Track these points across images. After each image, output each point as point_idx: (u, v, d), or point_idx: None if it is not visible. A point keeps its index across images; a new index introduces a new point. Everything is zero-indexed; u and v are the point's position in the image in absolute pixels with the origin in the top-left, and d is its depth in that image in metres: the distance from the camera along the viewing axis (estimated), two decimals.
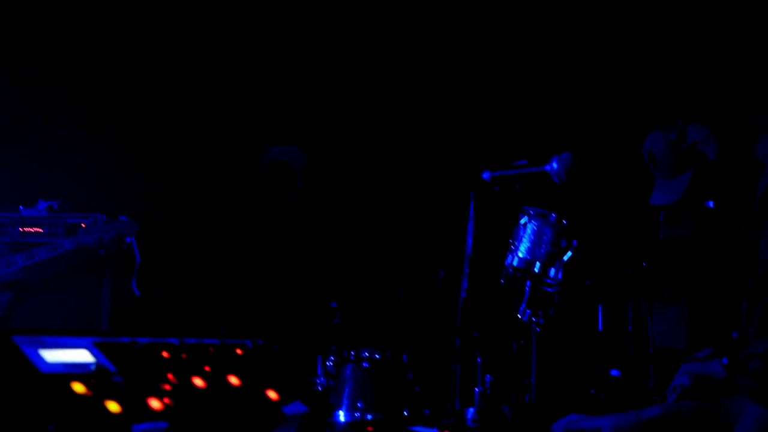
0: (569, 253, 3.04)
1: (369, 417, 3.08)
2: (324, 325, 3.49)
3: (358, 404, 3.15)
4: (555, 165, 2.82)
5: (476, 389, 2.81)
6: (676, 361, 3.57)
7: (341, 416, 3.07)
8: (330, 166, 5.17)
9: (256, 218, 5.10)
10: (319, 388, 3.22)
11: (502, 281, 3.20)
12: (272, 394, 1.65)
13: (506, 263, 3.11)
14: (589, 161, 2.90)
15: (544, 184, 2.90)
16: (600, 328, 3.58)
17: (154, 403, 1.40)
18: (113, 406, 1.33)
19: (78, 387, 1.32)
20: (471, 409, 2.74)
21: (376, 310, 4.41)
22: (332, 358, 3.25)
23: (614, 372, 3.37)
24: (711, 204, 3.62)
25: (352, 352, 3.23)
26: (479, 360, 2.86)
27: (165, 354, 1.54)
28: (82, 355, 1.41)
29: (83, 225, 4.47)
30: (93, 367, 1.39)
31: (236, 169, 5.23)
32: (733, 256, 3.50)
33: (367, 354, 3.22)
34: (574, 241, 3.03)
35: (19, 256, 4.52)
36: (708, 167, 3.15)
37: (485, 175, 2.88)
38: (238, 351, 1.70)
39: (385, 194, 5.03)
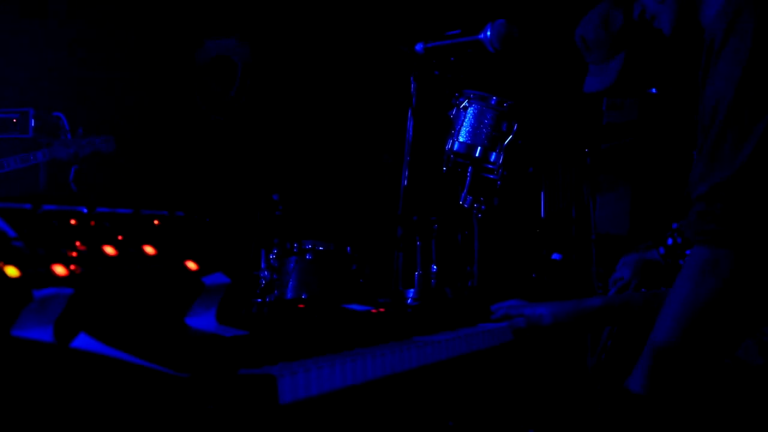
0: (510, 137, 2.99)
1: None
2: (266, 218, 3.44)
3: (303, 296, 3.13)
4: (488, 33, 2.73)
5: (416, 273, 2.80)
6: (618, 246, 3.59)
7: None
8: (271, 57, 5.02)
9: (196, 112, 4.98)
10: (263, 282, 3.19)
11: (444, 169, 3.16)
12: (191, 265, 1.59)
13: (446, 149, 3.06)
14: (528, 33, 2.82)
15: (484, 62, 2.82)
16: (542, 214, 3.58)
17: (59, 269, 1.33)
18: (11, 271, 1.26)
19: None
20: (411, 290, 2.74)
21: (318, 202, 4.37)
22: (275, 251, 3.20)
23: (555, 256, 3.38)
24: (654, 91, 3.59)
25: (295, 245, 3.18)
26: (419, 244, 2.85)
27: (72, 221, 1.46)
28: None
29: (14, 121, 4.31)
30: None
31: (174, 62, 5.07)
32: (677, 142, 3.48)
33: (310, 246, 3.18)
34: (515, 125, 2.99)
35: None
36: (643, 50, 3.10)
37: (418, 47, 2.79)
38: (155, 221, 1.63)
39: (325, 83, 4.91)
